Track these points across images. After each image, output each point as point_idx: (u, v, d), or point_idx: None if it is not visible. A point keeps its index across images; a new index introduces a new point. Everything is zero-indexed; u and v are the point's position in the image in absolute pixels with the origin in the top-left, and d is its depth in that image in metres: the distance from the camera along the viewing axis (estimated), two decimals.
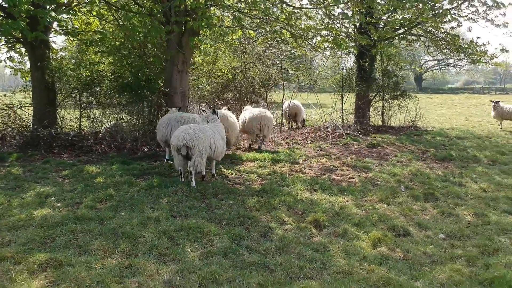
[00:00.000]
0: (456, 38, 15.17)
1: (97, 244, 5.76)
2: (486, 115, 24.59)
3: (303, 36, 10.72)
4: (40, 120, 12.93)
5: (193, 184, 8.25)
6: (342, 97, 17.33)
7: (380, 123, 18.07)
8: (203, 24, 9.19)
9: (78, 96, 13.82)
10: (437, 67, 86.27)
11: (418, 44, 18.07)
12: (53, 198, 7.41)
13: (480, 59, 15.32)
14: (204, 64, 13.93)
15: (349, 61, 17.91)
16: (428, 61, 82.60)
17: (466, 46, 15.32)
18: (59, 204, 7.10)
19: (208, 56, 13.97)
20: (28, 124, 13.87)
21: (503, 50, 15.36)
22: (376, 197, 8.44)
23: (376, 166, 11.01)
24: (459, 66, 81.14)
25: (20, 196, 7.51)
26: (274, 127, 16.67)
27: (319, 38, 11.56)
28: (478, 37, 15.12)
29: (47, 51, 13.57)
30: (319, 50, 13.06)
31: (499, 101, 18.12)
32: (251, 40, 17.96)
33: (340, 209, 7.70)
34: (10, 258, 5.22)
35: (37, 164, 10.22)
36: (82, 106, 13.88)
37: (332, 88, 18.26)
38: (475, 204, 8.32)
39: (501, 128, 18.15)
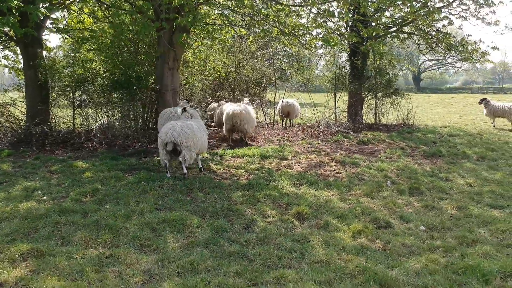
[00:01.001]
0: (448, 36, 15.27)
1: (80, 235, 5.84)
2: (480, 113, 24.65)
3: (291, 33, 10.80)
4: (33, 118, 13.01)
5: (185, 170, 8.47)
6: (335, 95, 17.41)
7: (373, 121, 18.15)
8: (189, 20, 9.26)
9: (71, 94, 13.90)
10: (435, 67, 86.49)
11: (410, 43, 18.15)
12: (39, 192, 7.49)
13: (471, 56, 15.42)
14: (196, 62, 14.02)
15: (342, 60, 17.96)
16: (426, 60, 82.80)
17: (457, 44, 15.41)
18: (45, 198, 7.18)
19: (200, 54, 14.06)
20: (21, 122, 13.95)
21: (494, 48, 15.46)
22: (362, 192, 8.53)
23: (364, 162, 11.09)
24: (457, 66, 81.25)
25: (7, 190, 7.59)
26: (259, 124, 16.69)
27: (309, 36, 11.63)
28: (469, 35, 15.25)
29: (39, 49, 13.65)
30: (310, 48, 13.14)
31: (486, 99, 18.27)
32: (244, 39, 18.06)
33: (325, 202, 7.78)
34: None
35: (28, 160, 10.30)
36: (75, 104, 13.97)
37: (326, 87, 18.35)
38: (459, 198, 8.40)
39: (494, 126, 18.24)
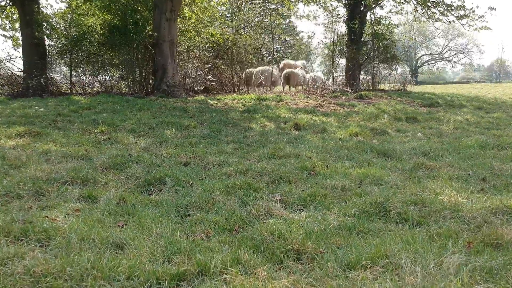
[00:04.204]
0: None
1: (77, 127, 5.84)
2: (478, 91, 24.89)
3: None
4: (30, 73, 12.96)
5: None
6: (333, 62, 17.44)
7: (371, 87, 18.15)
8: None
9: (68, 53, 13.83)
10: (432, 61, 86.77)
11: (406, 10, 18.16)
12: (36, 107, 7.46)
13: (467, 15, 15.45)
14: (193, 16, 14.00)
15: (340, 26, 17.93)
16: (423, 55, 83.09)
17: (453, 3, 15.47)
18: (42, 109, 7.16)
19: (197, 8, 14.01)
20: (18, 77, 13.89)
21: (491, 9, 15.53)
22: (359, 118, 8.54)
23: (362, 106, 11.10)
24: (454, 61, 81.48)
25: (4, 106, 7.57)
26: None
27: None
28: None
29: (36, 5, 13.62)
30: (310, 1, 13.13)
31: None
32: (243, 5, 18.06)
33: (322, 122, 7.79)
34: None
35: (24, 99, 10.27)
36: (72, 62, 13.90)
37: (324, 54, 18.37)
38: (456, 124, 8.41)
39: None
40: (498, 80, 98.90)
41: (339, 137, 6.17)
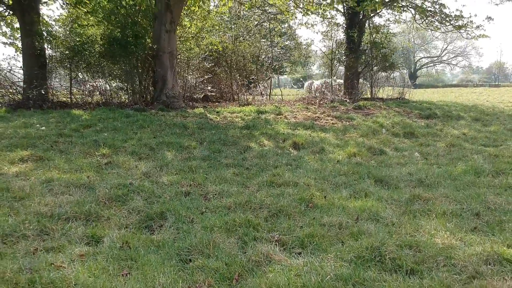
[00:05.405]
0: (443, 6, 15.43)
1: (78, 149, 5.91)
2: (477, 97, 25.00)
3: None
4: (30, 83, 13.02)
5: None
6: (332, 70, 17.54)
7: (369, 95, 18.26)
8: None
9: (68, 62, 13.90)
10: (431, 64, 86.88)
11: (405, 18, 18.27)
12: (38, 125, 7.53)
13: (465, 25, 15.57)
14: (193, 26, 14.09)
15: (338, 34, 18.06)
16: (422, 58, 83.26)
17: (451, 14, 15.58)
18: (43, 128, 7.23)
19: (196, 19, 14.10)
20: (18, 87, 13.95)
21: (489, 18, 15.65)
22: (357, 134, 8.63)
23: (360, 118, 11.20)
24: (453, 63, 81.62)
25: (6, 122, 7.64)
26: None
27: None
28: (463, 5, 15.41)
29: (36, 16, 13.70)
30: (308, 12, 13.24)
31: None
32: (242, 12, 18.16)
33: (320, 140, 7.87)
34: None
35: (25, 113, 10.33)
36: (72, 72, 13.97)
37: (322, 62, 18.48)
38: (453, 140, 8.50)
39: None
40: (497, 83, 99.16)
41: (337, 158, 6.25)
